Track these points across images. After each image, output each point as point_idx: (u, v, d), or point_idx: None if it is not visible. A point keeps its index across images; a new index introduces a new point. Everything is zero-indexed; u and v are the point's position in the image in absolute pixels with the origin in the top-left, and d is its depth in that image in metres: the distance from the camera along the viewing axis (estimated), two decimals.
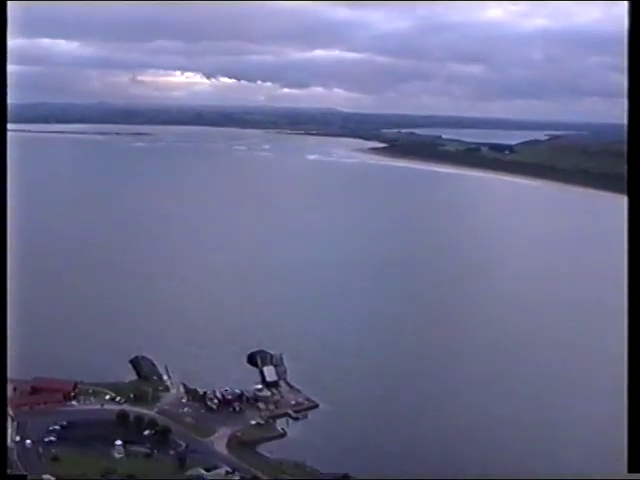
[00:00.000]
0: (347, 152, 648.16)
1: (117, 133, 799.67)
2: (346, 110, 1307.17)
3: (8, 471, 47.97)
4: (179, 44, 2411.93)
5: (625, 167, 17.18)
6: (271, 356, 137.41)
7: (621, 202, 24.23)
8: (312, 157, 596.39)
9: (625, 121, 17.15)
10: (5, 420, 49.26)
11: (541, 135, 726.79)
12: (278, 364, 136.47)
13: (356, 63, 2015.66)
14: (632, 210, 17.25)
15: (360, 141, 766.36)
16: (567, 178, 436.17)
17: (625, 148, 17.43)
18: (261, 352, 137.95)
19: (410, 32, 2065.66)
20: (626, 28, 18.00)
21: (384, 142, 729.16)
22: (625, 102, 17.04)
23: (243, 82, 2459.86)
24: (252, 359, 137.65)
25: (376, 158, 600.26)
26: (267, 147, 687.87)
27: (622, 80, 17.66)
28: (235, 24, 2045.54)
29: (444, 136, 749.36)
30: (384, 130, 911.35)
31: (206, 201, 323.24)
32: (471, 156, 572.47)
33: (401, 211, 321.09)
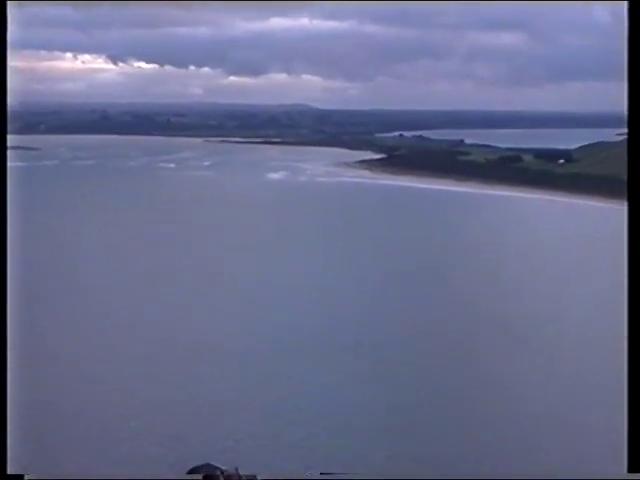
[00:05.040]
0: (326, 168, 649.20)
1: None
2: (322, 106, 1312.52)
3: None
4: (66, 10, 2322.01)
5: None
6: (222, 472, 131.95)
7: None
8: (275, 176, 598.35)
9: None
10: (5, 420, 62.63)
11: (612, 134, 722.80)
12: None
13: (334, 37, 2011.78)
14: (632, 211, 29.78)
15: (345, 151, 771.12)
16: None
17: None
18: (207, 466, 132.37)
19: None
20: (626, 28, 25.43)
21: (380, 152, 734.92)
22: None
23: (168, 68, 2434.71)
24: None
25: (369, 175, 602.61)
26: (207, 164, 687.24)
27: None
28: None
29: (467, 140, 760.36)
30: (379, 134, 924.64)
31: (122, 260, 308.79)
32: (508, 168, 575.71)
33: (412, 261, 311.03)
